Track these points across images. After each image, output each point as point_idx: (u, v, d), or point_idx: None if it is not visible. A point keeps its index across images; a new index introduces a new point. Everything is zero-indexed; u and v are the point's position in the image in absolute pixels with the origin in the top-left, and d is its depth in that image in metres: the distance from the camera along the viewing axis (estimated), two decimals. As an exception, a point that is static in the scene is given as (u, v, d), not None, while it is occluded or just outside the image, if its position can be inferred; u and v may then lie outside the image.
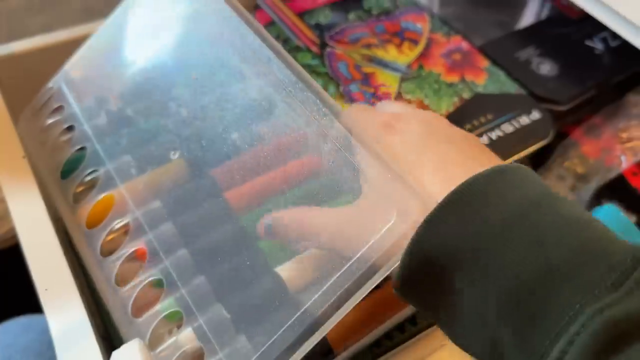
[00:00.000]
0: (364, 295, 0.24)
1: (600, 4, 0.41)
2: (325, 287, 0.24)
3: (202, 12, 0.35)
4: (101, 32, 0.38)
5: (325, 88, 0.42)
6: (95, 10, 0.66)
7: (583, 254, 0.20)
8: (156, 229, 0.32)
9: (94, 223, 0.34)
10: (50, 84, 0.38)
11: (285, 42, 0.45)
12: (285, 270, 0.28)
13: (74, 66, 0.39)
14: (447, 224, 0.22)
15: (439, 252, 0.22)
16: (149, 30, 0.37)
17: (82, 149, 0.36)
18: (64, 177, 0.36)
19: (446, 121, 0.29)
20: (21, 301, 0.42)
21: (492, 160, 0.26)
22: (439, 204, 0.22)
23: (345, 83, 0.43)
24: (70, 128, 0.37)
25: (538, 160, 0.44)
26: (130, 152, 0.35)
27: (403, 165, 0.25)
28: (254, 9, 0.48)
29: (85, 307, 0.30)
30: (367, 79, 0.43)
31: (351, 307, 0.24)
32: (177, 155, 0.35)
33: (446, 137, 0.27)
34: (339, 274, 0.24)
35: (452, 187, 0.22)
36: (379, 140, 0.26)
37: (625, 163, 0.42)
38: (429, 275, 0.22)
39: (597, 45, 0.49)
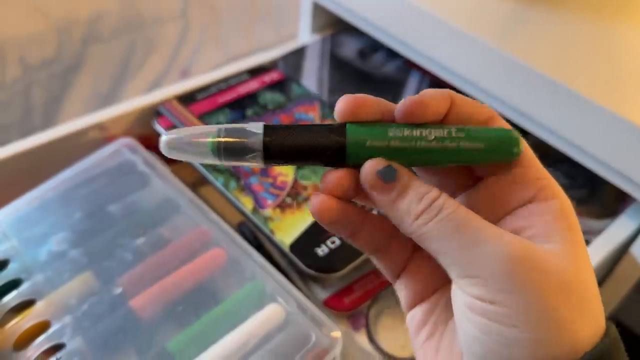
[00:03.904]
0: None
1: (467, 83, 0.48)
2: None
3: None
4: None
5: (227, 184, 0.46)
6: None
7: None
8: (68, 347, 0.33)
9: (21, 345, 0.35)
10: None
11: (187, 144, 0.49)
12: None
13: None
14: None
15: None
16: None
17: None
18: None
19: None
20: None
21: None
22: None
23: (245, 177, 0.47)
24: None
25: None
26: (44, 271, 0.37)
27: None
28: (156, 115, 0.51)
29: None
30: (265, 170, 0.47)
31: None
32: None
33: None
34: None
35: None
36: None
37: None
38: None
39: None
